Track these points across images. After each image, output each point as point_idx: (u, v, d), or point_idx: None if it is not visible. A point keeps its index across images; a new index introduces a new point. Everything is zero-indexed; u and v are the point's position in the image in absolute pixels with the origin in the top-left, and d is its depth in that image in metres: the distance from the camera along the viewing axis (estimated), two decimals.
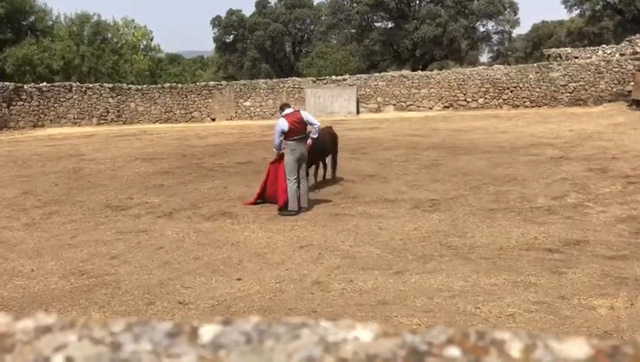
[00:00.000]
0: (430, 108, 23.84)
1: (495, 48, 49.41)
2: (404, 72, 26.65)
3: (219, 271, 6.14)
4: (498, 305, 4.96)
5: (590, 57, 25.26)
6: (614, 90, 22.28)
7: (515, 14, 42.42)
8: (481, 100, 23.62)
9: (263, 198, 9.04)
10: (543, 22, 57.29)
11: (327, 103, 23.84)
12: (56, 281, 6.02)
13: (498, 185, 9.71)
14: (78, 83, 25.50)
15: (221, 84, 25.53)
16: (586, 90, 22.63)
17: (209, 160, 13.36)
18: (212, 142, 16.72)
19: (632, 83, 21.38)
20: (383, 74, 26.06)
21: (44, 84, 24.12)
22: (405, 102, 24.22)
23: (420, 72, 26.30)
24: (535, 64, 24.52)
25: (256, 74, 44.06)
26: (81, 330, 0.61)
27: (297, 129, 8.47)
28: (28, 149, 16.60)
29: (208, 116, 24.60)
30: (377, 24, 42.41)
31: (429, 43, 38.64)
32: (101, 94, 23.90)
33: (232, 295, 5.47)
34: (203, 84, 26.29)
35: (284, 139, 8.48)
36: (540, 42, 51.58)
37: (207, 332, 0.61)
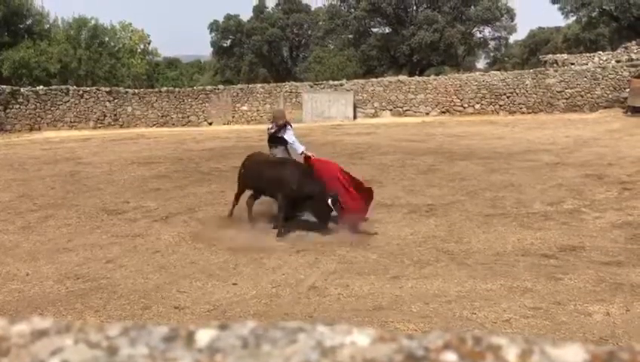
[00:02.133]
0: (427, 114, 23.88)
1: (492, 54, 49.52)
2: (401, 77, 26.69)
3: (215, 275, 6.12)
4: (494, 310, 4.96)
5: (586, 64, 25.35)
6: (610, 96, 22.36)
7: (512, 20, 42.54)
8: (477, 106, 23.67)
9: None
10: (539, 28, 57.45)
11: (324, 108, 23.87)
12: (51, 285, 5.99)
13: (494, 190, 9.72)
14: (75, 86, 25.43)
15: (218, 89, 25.53)
16: (582, 96, 22.70)
17: (206, 164, 13.35)
18: (209, 146, 16.71)
19: (627, 89, 21.47)
20: (380, 79, 26.10)
21: (41, 87, 24.06)
22: (402, 108, 24.26)
23: (416, 78, 26.35)
24: (531, 70, 24.59)
25: (253, 78, 44.07)
26: (77, 334, 0.61)
27: None
28: (24, 153, 16.55)
29: (205, 120, 24.59)
30: (374, 29, 42.46)
31: (425, 48, 38.72)
32: (98, 98, 23.86)
33: (228, 299, 5.46)
34: (200, 88, 26.28)
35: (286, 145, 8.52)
36: (537, 48, 51.74)
37: (204, 336, 0.61)
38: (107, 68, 38.09)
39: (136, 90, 25.35)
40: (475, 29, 41.95)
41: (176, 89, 25.81)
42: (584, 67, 23.64)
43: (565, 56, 28.24)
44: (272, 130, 8.70)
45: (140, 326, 0.62)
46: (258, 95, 24.72)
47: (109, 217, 8.78)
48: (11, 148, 17.70)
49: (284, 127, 8.62)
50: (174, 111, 24.55)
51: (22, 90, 23.06)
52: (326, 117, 23.51)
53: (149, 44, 43.20)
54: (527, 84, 23.19)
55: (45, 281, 6.10)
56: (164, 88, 26.10)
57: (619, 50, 27.26)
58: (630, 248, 6.58)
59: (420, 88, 24.18)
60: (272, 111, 9.54)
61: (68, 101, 23.44)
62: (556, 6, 39.67)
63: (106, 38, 39.95)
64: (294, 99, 24.46)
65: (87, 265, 6.60)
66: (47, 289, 5.88)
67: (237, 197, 8.34)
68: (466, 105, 23.80)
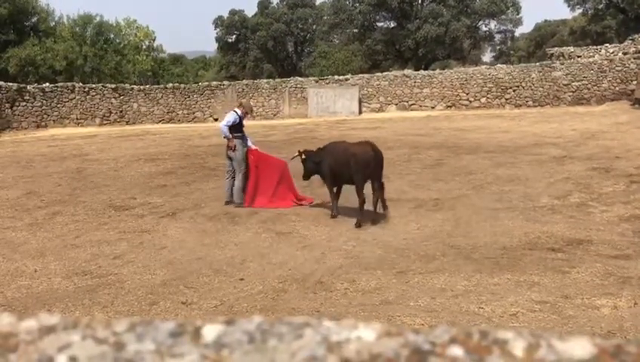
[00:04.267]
0: (433, 108, 23.82)
1: (497, 47, 49.36)
2: (407, 71, 26.63)
3: (222, 271, 6.14)
4: (501, 304, 4.95)
5: (593, 56, 25.19)
6: (617, 89, 22.22)
7: (518, 13, 42.39)
8: (483, 100, 23.59)
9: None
10: (545, 21, 57.23)
11: (330, 103, 23.84)
12: (59, 281, 6.03)
13: (501, 184, 9.70)
14: (80, 83, 25.51)
15: (223, 85, 25.54)
16: (589, 89, 22.58)
17: (212, 160, 13.36)
18: (215, 142, 16.69)
19: (635, 82, 21.33)
20: (385, 73, 26.04)
21: (47, 84, 24.15)
22: (408, 102, 24.20)
23: (422, 72, 26.26)
24: (538, 63, 24.47)
25: (258, 74, 44.09)
26: (85, 330, 0.61)
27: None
28: (31, 150, 16.63)
29: (211, 116, 24.61)
30: (380, 24, 42.39)
31: (431, 42, 38.60)
32: (104, 95, 23.92)
33: (234, 295, 5.48)
34: (205, 84, 26.30)
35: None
36: (543, 41, 51.52)
37: (210, 331, 0.61)
38: (113, 65, 38.17)
39: (141, 87, 25.40)
40: (481, 22, 41.80)
41: (182, 85, 25.83)
42: (591, 60, 23.50)
43: (572, 48, 28.07)
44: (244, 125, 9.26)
45: (146, 322, 0.63)
46: (263, 90, 24.72)
47: (116, 213, 8.82)
48: (18, 146, 17.78)
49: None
50: (180, 108, 24.59)
51: (28, 87, 23.15)
52: (331, 112, 23.49)
53: (154, 40, 43.28)
54: (533, 78, 23.08)
55: (53, 277, 6.14)
56: (170, 84, 26.12)
57: (626, 43, 27.05)
58: (638, 241, 6.55)
59: (426, 82, 24.11)
60: (244, 103, 10.00)
61: (74, 98, 23.52)
62: None
63: (112, 35, 40.04)
64: (299, 95, 24.44)
65: (94, 261, 6.63)
66: (55, 286, 5.92)
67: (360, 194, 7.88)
68: (471, 99, 23.71)
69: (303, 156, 8.58)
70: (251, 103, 10.70)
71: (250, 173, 9.04)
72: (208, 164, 12.93)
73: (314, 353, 0.57)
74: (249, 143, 9.24)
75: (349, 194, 8.36)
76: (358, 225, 7.58)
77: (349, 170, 7.81)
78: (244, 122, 9.33)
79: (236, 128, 9.07)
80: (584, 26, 44.40)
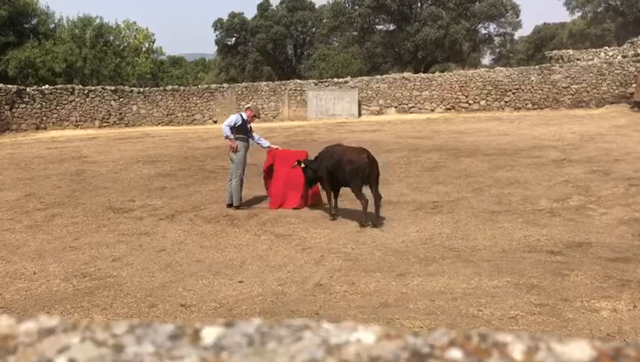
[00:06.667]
0: (432, 111, 23.83)
1: (497, 50, 49.43)
2: (406, 74, 26.64)
3: (221, 273, 6.14)
4: (500, 307, 4.95)
5: (592, 59, 25.24)
6: (616, 92, 22.26)
7: (517, 16, 42.41)
8: (483, 102, 23.61)
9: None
10: (544, 24, 57.33)
11: (329, 105, 23.86)
12: (58, 284, 6.02)
13: (500, 187, 9.70)
14: (80, 85, 25.53)
15: (223, 87, 25.56)
16: (588, 92, 22.61)
17: (211, 162, 13.37)
18: (214, 144, 16.71)
19: (634, 85, 21.37)
20: (384, 76, 26.07)
21: (47, 86, 24.16)
22: (407, 105, 24.22)
23: (421, 74, 26.29)
24: (537, 66, 24.52)
25: (258, 76, 44.12)
26: (84, 332, 0.61)
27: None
28: (30, 152, 16.62)
29: (210, 118, 24.62)
30: (379, 26, 42.43)
31: (430, 45, 38.63)
32: (103, 97, 23.93)
33: (234, 297, 5.47)
34: (205, 86, 26.32)
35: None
36: (542, 44, 51.62)
37: (210, 334, 0.61)
38: (112, 67, 38.19)
39: (141, 89, 25.41)
40: (480, 25, 41.83)
41: (181, 87, 25.85)
42: (590, 63, 23.54)
43: (571, 51, 28.14)
44: (249, 127, 9.26)
45: (146, 324, 0.63)
46: (263, 93, 24.74)
47: (115, 216, 8.81)
48: (18, 148, 17.77)
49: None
50: (179, 110, 24.60)
51: (28, 89, 23.15)
52: (331, 114, 23.50)
53: (153, 42, 43.31)
54: (532, 80, 23.11)
55: (52, 280, 6.13)
56: (169, 87, 26.14)
57: (625, 46, 27.12)
58: (637, 244, 6.55)
59: (425, 85, 24.13)
60: (252, 107, 9.95)
61: (73, 100, 23.53)
62: (561, 1, 39.58)
63: (111, 37, 40.07)
64: (299, 97, 24.46)
65: (93, 263, 6.62)
66: (54, 288, 5.91)
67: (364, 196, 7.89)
68: (471, 102, 23.74)
69: (303, 165, 8.64)
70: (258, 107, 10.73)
71: (274, 175, 9.01)
72: (207, 166, 12.93)
73: (313, 355, 0.57)
74: (267, 144, 9.31)
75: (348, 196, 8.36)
76: (362, 226, 7.63)
77: (344, 175, 7.92)
78: (252, 125, 9.34)
79: (239, 130, 9.06)
80: (583, 29, 44.50)
